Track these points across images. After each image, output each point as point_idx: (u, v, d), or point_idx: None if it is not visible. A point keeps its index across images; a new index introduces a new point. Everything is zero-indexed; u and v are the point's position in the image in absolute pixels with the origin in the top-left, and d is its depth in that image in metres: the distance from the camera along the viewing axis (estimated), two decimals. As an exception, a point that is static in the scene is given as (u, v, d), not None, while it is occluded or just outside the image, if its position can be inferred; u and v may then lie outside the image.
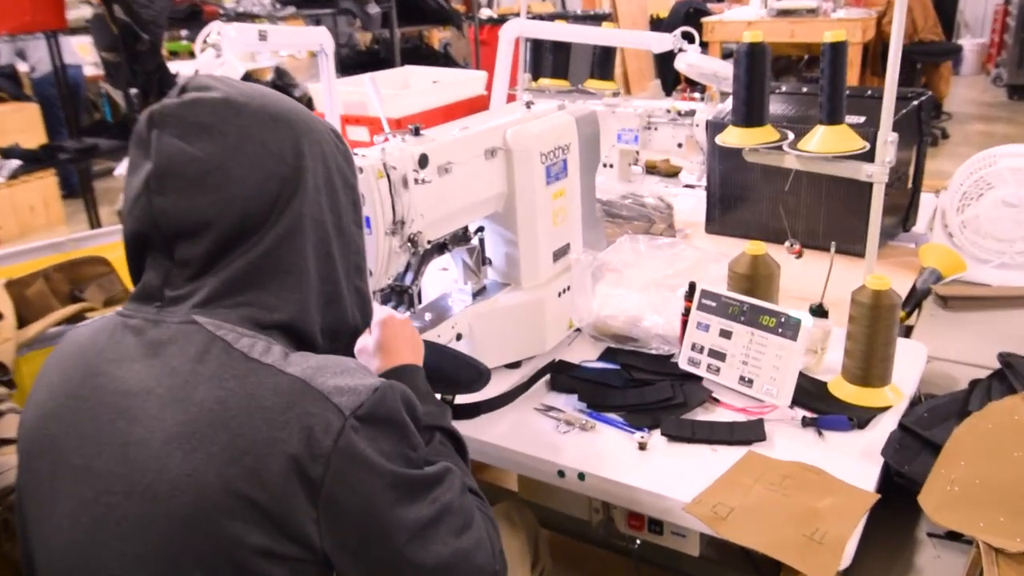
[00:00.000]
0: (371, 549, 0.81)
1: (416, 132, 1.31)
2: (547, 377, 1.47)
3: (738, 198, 2.07)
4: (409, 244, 1.26)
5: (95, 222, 3.93)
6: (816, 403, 1.34)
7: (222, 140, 0.82)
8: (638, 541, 1.41)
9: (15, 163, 3.46)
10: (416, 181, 1.24)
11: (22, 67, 4.97)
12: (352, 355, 0.98)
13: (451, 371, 1.26)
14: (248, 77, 4.94)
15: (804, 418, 1.30)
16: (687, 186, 2.53)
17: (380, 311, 1.15)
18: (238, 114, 0.84)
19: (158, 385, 0.80)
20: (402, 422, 0.84)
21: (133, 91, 3.42)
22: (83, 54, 4.90)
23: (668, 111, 2.33)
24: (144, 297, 0.86)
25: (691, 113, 2.30)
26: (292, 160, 0.85)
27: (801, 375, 1.37)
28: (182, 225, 0.82)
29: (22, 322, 1.65)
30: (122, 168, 1.37)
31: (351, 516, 0.80)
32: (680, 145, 2.37)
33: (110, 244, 2.14)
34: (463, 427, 1.35)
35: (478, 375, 1.29)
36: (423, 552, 0.83)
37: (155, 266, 0.86)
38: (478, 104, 2.73)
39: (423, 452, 0.87)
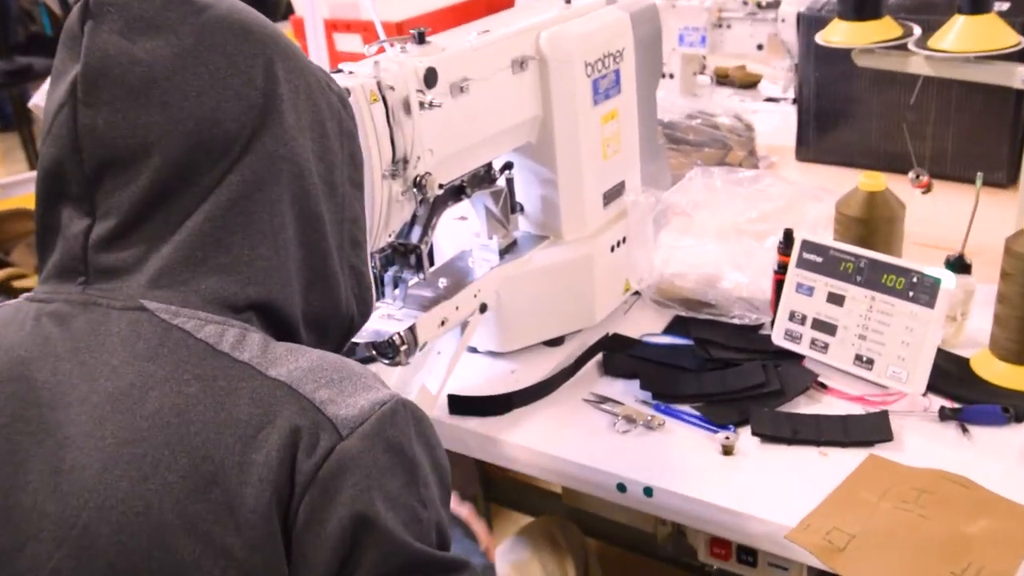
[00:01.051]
0: None
1: (420, 39, 1.19)
2: (598, 357, 1.37)
3: (839, 114, 1.94)
4: (415, 189, 1.15)
5: (35, 162, 3.86)
6: (957, 388, 1.24)
7: (176, 42, 0.75)
8: (714, 566, 1.32)
9: (-70, 91, 3.39)
10: (422, 105, 1.14)
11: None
12: (337, 350, 0.89)
13: None
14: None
15: (943, 409, 1.20)
16: (768, 99, 2.41)
17: None
18: (199, 14, 0.76)
19: (93, 391, 0.72)
20: (412, 458, 0.74)
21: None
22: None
23: (745, 3, 2.19)
24: (62, 272, 0.78)
25: (775, 4, 2.16)
26: (263, 83, 0.78)
27: (936, 350, 1.25)
28: (113, 151, 0.74)
29: (-68, 295, 1.59)
30: (39, 97, 1.26)
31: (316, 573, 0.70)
32: (760, 47, 2.24)
33: (41, 192, 2.06)
34: (489, 424, 1.26)
35: None
36: None
37: (73, 222, 0.76)
38: (500, 3, 2.58)
39: (436, 518, 0.76)
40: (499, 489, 1.94)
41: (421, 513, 0.74)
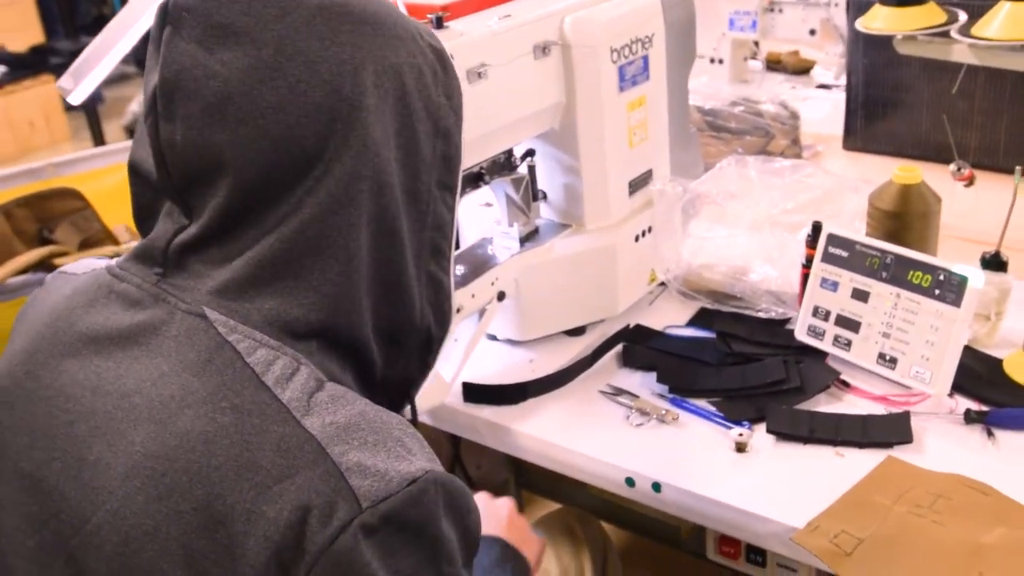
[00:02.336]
0: None
1: (439, 23, 1.18)
2: (618, 348, 1.36)
3: (888, 103, 1.89)
4: (427, 176, 1.14)
5: (99, 139, 3.95)
6: (986, 390, 1.19)
7: (255, 52, 0.71)
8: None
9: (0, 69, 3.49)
10: (436, 91, 1.12)
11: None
12: (422, 371, 0.88)
13: None
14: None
15: (968, 411, 1.16)
16: (821, 86, 2.35)
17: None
18: (283, 17, 0.72)
19: (137, 390, 0.71)
20: (436, 536, 0.70)
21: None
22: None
23: None
24: (144, 256, 0.77)
25: None
26: (350, 92, 0.73)
27: (967, 350, 1.22)
28: (191, 166, 0.73)
29: (-23, 270, 1.63)
30: (66, 80, 1.29)
31: None
32: (813, 32, 2.20)
33: (91, 171, 2.11)
34: (502, 413, 1.26)
35: None
36: None
37: (167, 216, 0.76)
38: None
39: None
40: (531, 476, 1.93)
41: None
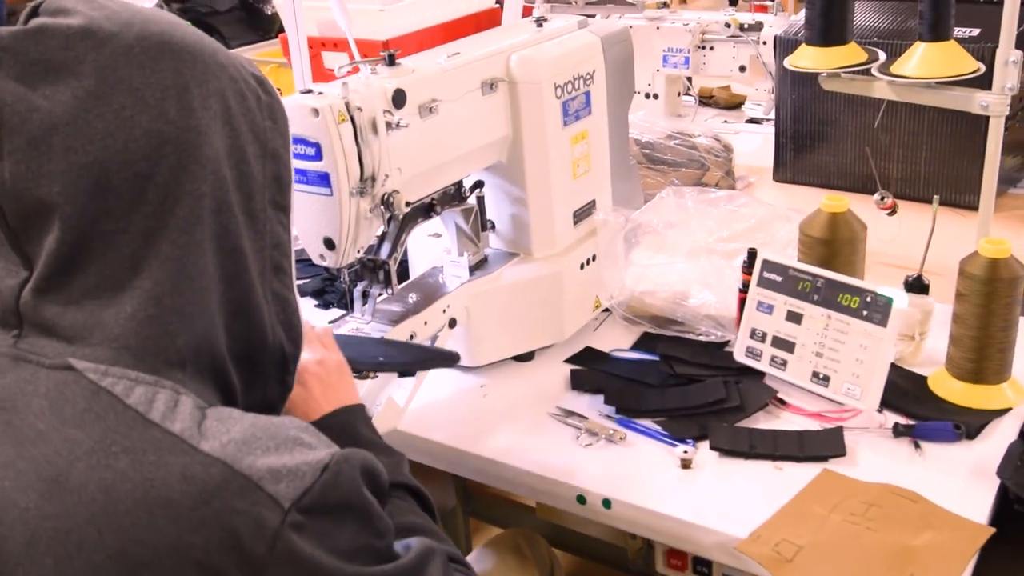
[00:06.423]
0: None
1: (391, 61, 1.24)
2: (566, 373, 1.41)
3: (816, 136, 1.99)
4: (382, 207, 1.19)
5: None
6: (912, 405, 1.27)
7: (76, 84, 0.72)
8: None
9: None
10: (390, 125, 1.18)
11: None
12: (282, 389, 0.89)
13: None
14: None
15: (896, 425, 1.23)
16: (752, 120, 2.45)
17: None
18: (100, 48, 0.73)
19: (19, 456, 0.70)
20: (363, 504, 0.76)
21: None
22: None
23: (727, 25, 2.25)
24: None
25: (757, 27, 2.22)
26: (176, 115, 0.74)
27: (894, 368, 1.30)
28: (24, 203, 0.72)
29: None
30: None
31: None
32: (743, 69, 2.30)
33: None
34: (456, 437, 1.30)
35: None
36: None
37: (9, 274, 0.75)
38: (488, 21, 2.64)
39: (391, 535, 0.79)
40: (477, 504, 1.98)
41: (377, 544, 0.77)
